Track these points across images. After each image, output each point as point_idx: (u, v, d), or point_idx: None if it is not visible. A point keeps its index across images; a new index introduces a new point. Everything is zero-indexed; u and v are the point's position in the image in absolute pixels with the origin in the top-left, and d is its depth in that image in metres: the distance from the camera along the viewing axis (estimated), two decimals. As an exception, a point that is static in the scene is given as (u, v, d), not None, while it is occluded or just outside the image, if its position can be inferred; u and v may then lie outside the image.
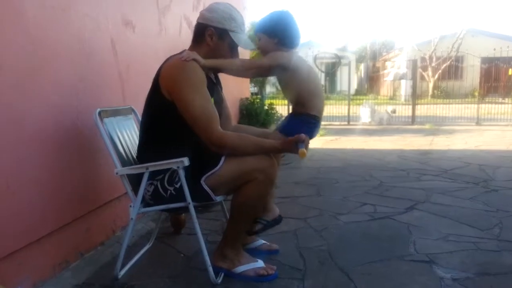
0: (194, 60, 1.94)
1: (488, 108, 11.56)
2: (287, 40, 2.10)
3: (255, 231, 2.24)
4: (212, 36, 2.04)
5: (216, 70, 2.18)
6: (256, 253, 2.25)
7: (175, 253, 2.41)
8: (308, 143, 1.97)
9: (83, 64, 2.26)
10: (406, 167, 4.84)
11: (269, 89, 14.97)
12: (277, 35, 2.08)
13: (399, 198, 3.48)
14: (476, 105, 11.06)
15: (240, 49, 2.14)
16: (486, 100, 13.46)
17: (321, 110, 2.20)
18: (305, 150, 1.86)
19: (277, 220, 2.28)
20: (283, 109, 9.39)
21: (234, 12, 2.06)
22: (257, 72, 2.29)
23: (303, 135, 1.90)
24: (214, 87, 2.15)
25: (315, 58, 12.53)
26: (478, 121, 10.48)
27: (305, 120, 2.14)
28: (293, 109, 2.25)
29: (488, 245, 2.45)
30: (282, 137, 2.03)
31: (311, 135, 2.20)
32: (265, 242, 2.40)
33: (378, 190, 3.78)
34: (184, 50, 2.07)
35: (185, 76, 1.91)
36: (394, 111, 10.88)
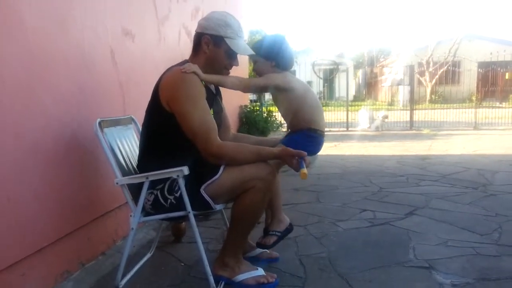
0: (194, 73, 1.96)
1: (486, 113, 11.60)
2: (283, 63, 2.21)
3: (271, 244, 2.26)
4: (208, 44, 2.06)
5: (215, 85, 2.22)
6: (256, 261, 2.26)
7: (176, 262, 2.41)
8: (309, 163, 1.97)
9: (83, 75, 2.28)
10: (405, 173, 4.86)
11: (268, 96, 15.02)
12: (273, 58, 2.18)
13: (399, 204, 3.49)
14: (473, 110, 11.11)
15: (239, 58, 2.16)
16: (484, 105, 13.54)
17: (322, 124, 2.25)
18: (306, 171, 1.86)
19: (289, 229, 2.35)
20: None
21: (230, 18, 2.07)
22: (254, 90, 2.36)
23: (304, 152, 1.90)
24: (214, 97, 2.17)
25: (313, 65, 12.61)
26: (476, 126, 10.52)
27: (308, 135, 2.19)
28: (293, 126, 2.27)
29: (488, 250, 2.46)
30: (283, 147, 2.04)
31: (315, 149, 2.23)
32: (265, 250, 2.40)
33: (377, 196, 3.79)
34: (185, 61, 2.09)
35: (184, 89, 1.92)
36: (386, 117, 10.90)
